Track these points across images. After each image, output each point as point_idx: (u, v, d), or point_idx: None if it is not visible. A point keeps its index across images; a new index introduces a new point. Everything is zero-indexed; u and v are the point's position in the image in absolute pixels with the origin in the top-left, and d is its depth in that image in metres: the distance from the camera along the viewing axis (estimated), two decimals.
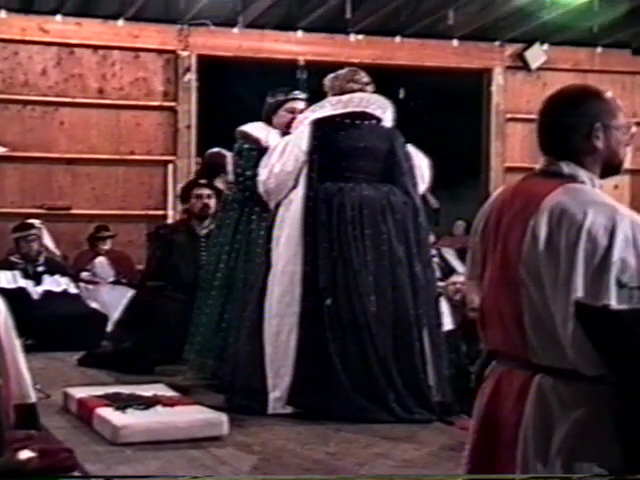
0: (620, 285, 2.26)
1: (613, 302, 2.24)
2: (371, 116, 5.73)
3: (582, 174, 2.46)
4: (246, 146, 6.29)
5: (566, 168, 2.46)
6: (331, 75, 5.89)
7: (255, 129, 6.33)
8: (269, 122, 6.34)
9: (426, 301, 5.55)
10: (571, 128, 2.47)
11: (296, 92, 6.38)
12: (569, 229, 2.31)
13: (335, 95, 5.77)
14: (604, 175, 2.50)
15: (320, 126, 5.65)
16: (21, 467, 4.00)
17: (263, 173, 5.69)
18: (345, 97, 5.71)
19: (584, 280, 2.26)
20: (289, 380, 5.35)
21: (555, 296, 2.31)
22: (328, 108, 5.73)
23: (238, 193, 6.37)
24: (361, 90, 5.76)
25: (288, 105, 6.26)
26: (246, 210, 6.18)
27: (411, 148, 5.85)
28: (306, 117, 5.79)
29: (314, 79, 6.02)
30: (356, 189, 5.56)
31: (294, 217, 5.54)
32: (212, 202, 7.30)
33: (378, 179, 5.66)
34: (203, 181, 7.54)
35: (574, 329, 2.26)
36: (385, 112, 5.79)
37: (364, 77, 5.84)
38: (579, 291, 2.26)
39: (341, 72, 5.88)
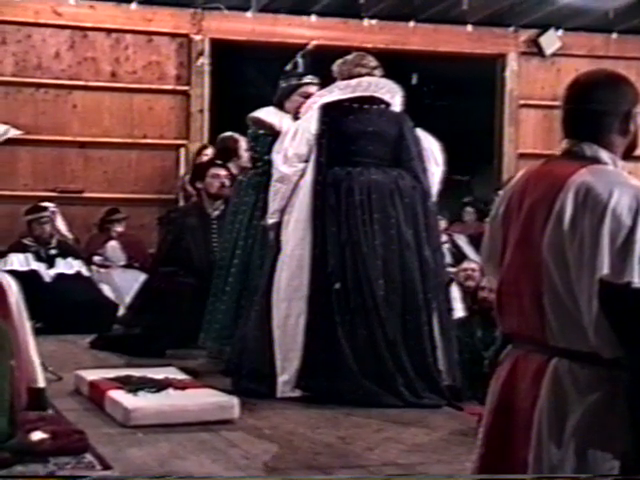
0: None
1: (636, 280, 2.27)
2: (380, 100, 5.72)
3: (604, 155, 2.48)
4: (262, 132, 6.28)
5: (588, 150, 2.48)
6: (339, 60, 5.89)
7: (268, 115, 6.31)
8: (281, 107, 6.32)
9: (435, 285, 5.55)
10: (608, 112, 2.49)
11: (309, 76, 6.35)
12: (594, 209, 2.32)
13: (344, 80, 5.76)
14: (623, 158, 2.52)
15: (328, 110, 5.64)
16: (34, 448, 4.04)
17: (277, 159, 5.69)
18: (353, 81, 5.71)
19: (609, 259, 2.28)
20: (298, 364, 5.36)
21: (580, 275, 2.32)
22: (336, 93, 5.73)
23: (253, 178, 6.35)
24: (369, 74, 5.75)
25: (302, 90, 6.23)
26: (262, 196, 6.09)
27: (420, 132, 5.84)
28: (314, 102, 5.80)
29: (328, 64, 6.00)
30: (364, 173, 5.56)
31: (302, 201, 5.54)
32: (227, 183, 7.29)
33: (387, 163, 5.65)
34: (219, 161, 7.52)
35: (598, 308, 2.27)
36: (394, 97, 5.78)
37: (372, 61, 5.83)
38: (604, 270, 2.28)
39: (349, 57, 5.88)
